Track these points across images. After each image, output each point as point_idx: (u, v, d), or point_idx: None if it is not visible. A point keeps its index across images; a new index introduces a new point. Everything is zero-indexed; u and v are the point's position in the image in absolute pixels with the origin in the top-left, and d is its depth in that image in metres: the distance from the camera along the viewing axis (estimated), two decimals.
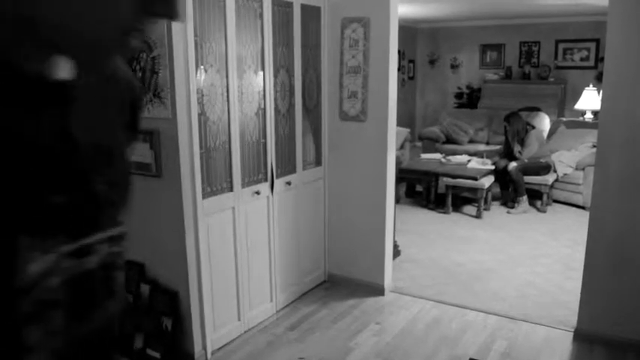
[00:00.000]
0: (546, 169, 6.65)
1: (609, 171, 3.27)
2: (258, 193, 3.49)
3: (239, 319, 3.51)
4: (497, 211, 6.63)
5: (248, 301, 3.55)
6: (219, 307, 3.32)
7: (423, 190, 6.83)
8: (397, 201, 6.21)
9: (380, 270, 4.16)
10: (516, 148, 6.65)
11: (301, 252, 4.06)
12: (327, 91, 4.08)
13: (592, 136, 6.70)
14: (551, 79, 9.65)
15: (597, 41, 9.21)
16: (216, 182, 3.21)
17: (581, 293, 3.50)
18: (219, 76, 3.12)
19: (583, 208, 6.42)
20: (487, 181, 6.33)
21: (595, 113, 8.24)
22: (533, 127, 6.90)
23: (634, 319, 3.33)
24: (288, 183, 3.79)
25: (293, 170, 3.86)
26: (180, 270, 3.08)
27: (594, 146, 6.21)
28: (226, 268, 3.35)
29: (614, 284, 3.37)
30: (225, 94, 3.17)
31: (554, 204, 6.81)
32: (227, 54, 3.13)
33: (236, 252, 3.39)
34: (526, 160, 6.60)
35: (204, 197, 3.09)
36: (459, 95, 10.78)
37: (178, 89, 2.85)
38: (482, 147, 8.52)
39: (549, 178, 6.60)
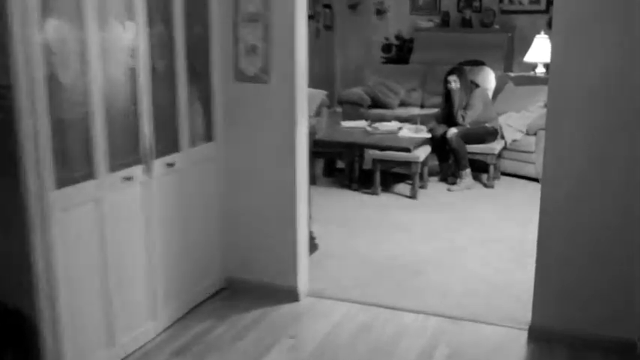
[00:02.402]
0: (492, 135, 6.87)
1: (563, 135, 3.40)
2: (129, 179, 3.39)
3: (110, 346, 3.41)
4: (435, 188, 6.80)
5: (122, 322, 3.46)
6: (82, 331, 3.22)
7: (345, 166, 6.89)
8: (313, 182, 6.19)
9: (292, 270, 4.17)
10: (460, 111, 6.81)
11: (191, 253, 4.00)
12: (218, 46, 4.03)
13: (545, 93, 6.94)
14: (496, 27, 9.93)
15: None
16: (74, 166, 3.10)
17: (535, 283, 3.65)
18: (73, 27, 3.01)
19: (536, 180, 6.62)
20: (422, 153, 6.47)
21: (548, 66, 8.57)
22: (477, 86, 7.08)
23: (596, 311, 3.51)
24: (171, 164, 3.72)
25: (176, 148, 3.79)
26: (26, 285, 2.95)
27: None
28: (90, 279, 3.25)
29: (572, 271, 3.52)
30: (83, 51, 3.06)
31: (502, 177, 7.07)
32: None
33: (103, 257, 3.30)
34: (468, 126, 6.77)
35: (57, 187, 2.97)
36: (386, 48, 10.90)
37: (16, 45, 2.72)
38: (415, 111, 8.67)
39: (496, 146, 6.83)
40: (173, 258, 3.85)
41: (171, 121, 3.74)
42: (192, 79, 3.87)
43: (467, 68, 7.49)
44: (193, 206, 3.99)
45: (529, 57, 8.92)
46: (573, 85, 3.35)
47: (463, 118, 6.78)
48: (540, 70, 8.74)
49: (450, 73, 6.95)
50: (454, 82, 6.83)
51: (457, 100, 6.81)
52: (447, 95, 6.95)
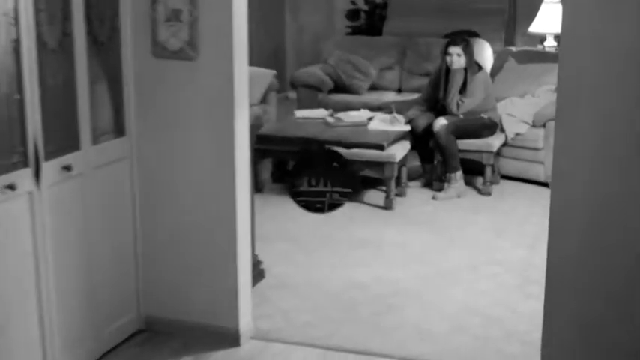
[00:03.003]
0: (490, 128, 6.89)
1: (576, 127, 3.42)
2: (11, 187, 3.32)
3: None
4: (416, 196, 6.84)
5: None
6: None
7: None
8: (258, 189, 6.20)
9: (231, 305, 4.15)
10: (457, 96, 6.83)
11: (97, 286, 3.96)
12: (129, 11, 4.00)
13: (556, 73, 7.03)
14: None
15: None
16: None
17: (544, 318, 3.67)
18: None
19: (546, 185, 6.71)
20: (400, 151, 6.49)
21: (559, 39, 8.67)
22: (480, 67, 7.04)
23: (621, 350, 3.55)
24: (67, 168, 3.67)
25: (75, 146, 3.75)
26: None
27: None
28: None
29: (590, 301, 3.55)
30: None
31: (502, 181, 7.13)
32: None
33: None
34: (461, 116, 6.79)
35: None
36: (352, 14, 10.93)
37: None
38: (391, 96, 8.73)
39: (494, 142, 6.87)
40: (74, 293, 3.81)
41: (67, 111, 3.70)
42: (94, 54, 3.84)
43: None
44: (99, 224, 3.95)
45: (535, 27, 9.00)
46: (591, 61, 3.37)
47: (459, 106, 6.77)
48: (550, 44, 8.84)
49: (453, 43, 6.91)
50: (458, 57, 6.79)
51: (458, 81, 6.80)
52: (446, 73, 6.92)
